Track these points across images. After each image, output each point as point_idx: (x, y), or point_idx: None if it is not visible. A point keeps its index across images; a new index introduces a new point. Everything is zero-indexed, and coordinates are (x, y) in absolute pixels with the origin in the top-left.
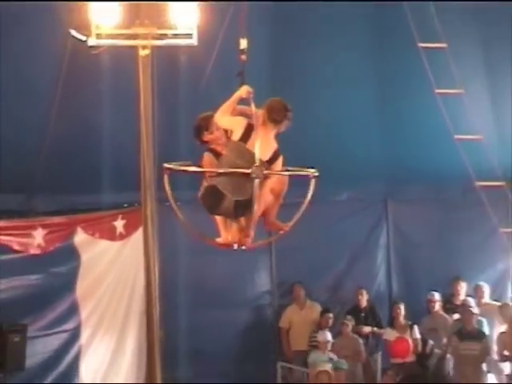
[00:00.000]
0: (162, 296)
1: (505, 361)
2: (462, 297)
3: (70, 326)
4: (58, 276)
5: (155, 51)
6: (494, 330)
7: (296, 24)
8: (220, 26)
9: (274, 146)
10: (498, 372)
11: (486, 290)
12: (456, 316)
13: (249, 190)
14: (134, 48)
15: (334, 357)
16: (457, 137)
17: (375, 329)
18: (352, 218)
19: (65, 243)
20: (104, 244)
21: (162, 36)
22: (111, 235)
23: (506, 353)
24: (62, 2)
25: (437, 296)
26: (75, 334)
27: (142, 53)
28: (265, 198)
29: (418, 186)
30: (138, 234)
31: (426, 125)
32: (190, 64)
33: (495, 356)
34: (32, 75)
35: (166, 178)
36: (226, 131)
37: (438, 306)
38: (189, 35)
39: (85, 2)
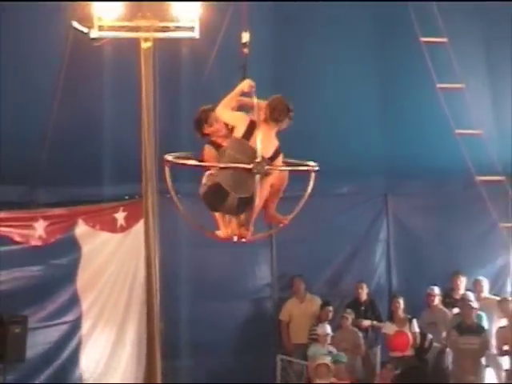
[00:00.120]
0: (162, 288)
1: (504, 355)
2: (461, 291)
3: (70, 317)
4: (58, 267)
5: (157, 44)
6: (493, 324)
7: (298, 19)
8: (222, 19)
9: (275, 143)
10: (497, 366)
11: (486, 284)
12: (455, 310)
13: (251, 186)
14: (136, 40)
15: (334, 350)
16: (457, 132)
17: (375, 322)
18: (352, 211)
19: (66, 235)
20: (105, 236)
21: (164, 28)
22: (112, 227)
23: (506, 347)
24: None
25: (436, 290)
26: (76, 326)
27: (144, 45)
28: (265, 193)
29: (418, 181)
30: (139, 226)
31: (427, 120)
32: (191, 57)
33: (494, 350)
34: (34, 67)
35: (167, 170)
36: (226, 124)
37: (437, 300)
38: (191, 28)
39: None
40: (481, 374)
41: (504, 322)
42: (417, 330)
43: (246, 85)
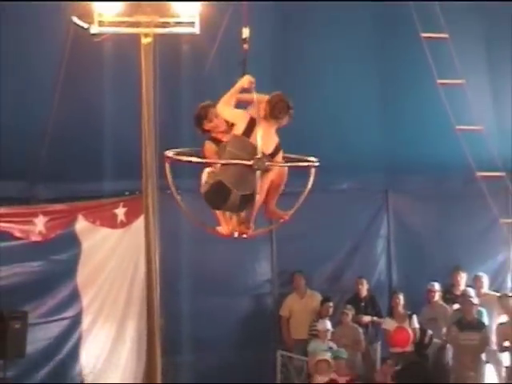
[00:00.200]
0: (162, 284)
1: (504, 351)
2: (461, 287)
3: (70, 313)
4: (58, 263)
5: (157, 39)
6: (493, 320)
7: (298, 18)
8: (222, 14)
9: (275, 140)
10: (497, 362)
11: (486, 280)
12: (456, 306)
13: (252, 183)
14: (137, 36)
15: (334, 346)
16: (458, 127)
17: (375, 318)
18: (353, 207)
19: (66, 230)
20: (105, 232)
21: (165, 24)
22: (112, 223)
23: (506, 343)
24: None
25: (437, 286)
26: (76, 321)
27: (145, 41)
28: (265, 189)
29: (418, 177)
30: (139, 222)
31: (427, 116)
32: (192, 52)
33: (494, 346)
34: (35, 62)
35: (167, 166)
36: (226, 120)
37: (437, 296)
38: (191, 24)
39: None
40: (481, 370)
41: (504, 318)
42: (417, 325)
43: (245, 81)
